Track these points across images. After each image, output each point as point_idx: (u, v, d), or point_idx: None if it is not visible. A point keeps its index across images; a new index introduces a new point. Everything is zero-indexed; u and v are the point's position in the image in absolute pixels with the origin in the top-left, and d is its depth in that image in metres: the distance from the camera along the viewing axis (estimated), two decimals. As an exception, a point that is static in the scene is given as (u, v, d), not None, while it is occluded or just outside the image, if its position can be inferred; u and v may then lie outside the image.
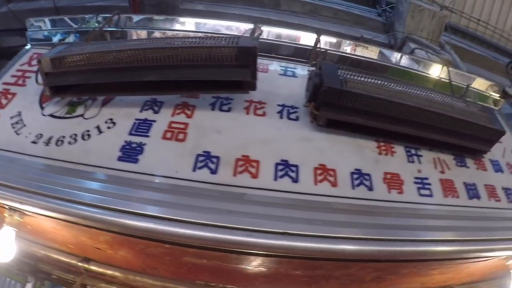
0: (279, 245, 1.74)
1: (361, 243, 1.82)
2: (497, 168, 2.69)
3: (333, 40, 3.20)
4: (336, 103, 2.12)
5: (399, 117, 2.23)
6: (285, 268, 2.09)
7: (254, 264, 2.04)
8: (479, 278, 2.83)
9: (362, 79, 2.25)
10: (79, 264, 2.55)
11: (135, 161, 2.09)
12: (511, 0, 7.40)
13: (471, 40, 6.91)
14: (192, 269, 2.23)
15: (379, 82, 2.28)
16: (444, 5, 4.99)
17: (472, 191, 2.44)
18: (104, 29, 3.05)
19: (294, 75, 2.67)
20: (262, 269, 2.09)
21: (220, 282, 2.39)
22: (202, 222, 1.76)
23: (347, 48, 3.18)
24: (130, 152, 2.13)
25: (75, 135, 2.24)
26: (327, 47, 3.10)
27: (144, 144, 2.15)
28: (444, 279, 2.61)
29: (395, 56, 3.20)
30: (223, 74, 2.13)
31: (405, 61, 3.16)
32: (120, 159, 2.10)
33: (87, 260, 2.55)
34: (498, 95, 3.09)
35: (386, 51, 3.25)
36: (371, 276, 2.28)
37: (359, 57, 3.01)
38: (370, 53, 3.18)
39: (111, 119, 2.31)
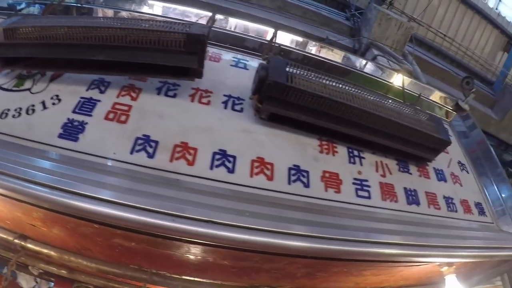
0: (203, 232, 1.72)
1: (286, 238, 1.80)
2: (441, 177, 2.75)
3: (300, 39, 3.22)
4: (280, 97, 2.13)
5: (343, 117, 2.25)
6: (213, 257, 2.09)
7: (182, 251, 2.04)
8: (415, 282, 2.88)
9: (311, 77, 2.26)
10: (16, 241, 2.50)
11: (75, 139, 2.06)
12: (478, 21, 7.61)
13: (435, 54, 7.10)
14: (124, 252, 2.20)
15: (328, 81, 2.29)
16: (412, 17, 5.07)
17: (412, 197, 2.49)
18: (70, 4, 3.01)
19: (245, 67, 2.66)
20: (191, 256, 2.08)
21: (152, 268, 2.37)
22: (128, 203, 1.74)
23: (312, 48, 3.21)
24: (71, 130, 2.10)
25: (20, 109, 2.19)
26: (293, 46, 3.12)
27: (86, 123, 2.12)
28: (379, 280, 2.64)
29: (358, 61, 3.23)
30: (170, 60, 2.12)
31: (367, 66, 3.19)
32: (60, 136, 2.06)
33: (24, 237, 2.50)
34: (451, 108, 3.16)
35: (351, 56, 3.29)
36: (302, 272, 2.30)
37: (322, 58, 3.02)
38: (335, 56, 3.21)
39: (57, 96, 2.27)
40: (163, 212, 1.74)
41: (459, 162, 2.99)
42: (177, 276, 2.45)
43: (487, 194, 3.00)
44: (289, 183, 2.11)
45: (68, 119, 2.13)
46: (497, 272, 3.15)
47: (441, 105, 3.17)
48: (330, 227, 1.99)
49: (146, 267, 2.37)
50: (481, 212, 2.86)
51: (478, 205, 2.86)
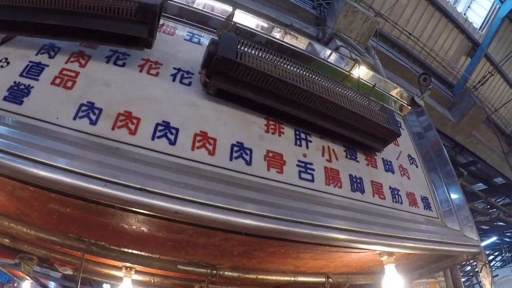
0: (134, 199, 1.71)
1: (219, 212, 1.80)
2: (389, 168, 2.81)
3: (265, 25, 3.23)
4: (228, 74, 2.13)
5: (292, 98, 2.27)
6: (148, 228, 2.08)
7: (117, 220, 2.03)
8: (356, 270, 2.93)
9: (263, 55, 2.26)
10: (-44, 204, 2.44)
11: (20, 102, 2.03)
12: (445, 23, 7.72)
13: (398, 51, 7.18)
14: (61, 218, 2.18)
15: (279, 62, 2.30)
16: (379, 12, 5.11)
17: (357, 184, 2.53)
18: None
19: (199, 43, 2.66)
20: (126, 226, 2.07)
21: (91, 238, 2.35)
22: (62, 166, 1.72)
23: (277, 34, 3.22)
24: (17, 93, 2.07)
25: (-32, 71, 2.14)
26: (259, 29, 3.13)
27: (32, 87, 2.09)
28: (318, 265, 2.68)
29: (321, 49, 3.26)
30: (120, 28, 2.10)
31: (326, 54, 3.23)
32: (5, 99, 2.03)
33: (-36, 201, 2.45)
34: (406, 102, 3.22)
35: (314, 44, 3.31)
36: (238, 250, 2.31)
37: (283, 43, 3.04)
38: (299, 43, 3.23)
39: (6, 58, 2.22)
40: (96, 177, 1.72)
41: (409, 156, 3.06)
42: (115, 248, 2.43)
43: (434, 190, 3.08)
44: (230, 159, 2.13)
45: (15, 82, 2.10)
46: (440, 267, 3.22)
47: (397, 98, 3.23)
48: (267, 205, 2.00)
49: (84, 237, 2.35)
50: (427, 206, 2.93)
51: (424, 199, 2.94)
